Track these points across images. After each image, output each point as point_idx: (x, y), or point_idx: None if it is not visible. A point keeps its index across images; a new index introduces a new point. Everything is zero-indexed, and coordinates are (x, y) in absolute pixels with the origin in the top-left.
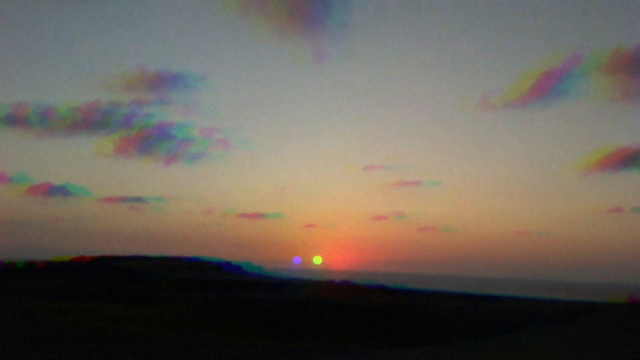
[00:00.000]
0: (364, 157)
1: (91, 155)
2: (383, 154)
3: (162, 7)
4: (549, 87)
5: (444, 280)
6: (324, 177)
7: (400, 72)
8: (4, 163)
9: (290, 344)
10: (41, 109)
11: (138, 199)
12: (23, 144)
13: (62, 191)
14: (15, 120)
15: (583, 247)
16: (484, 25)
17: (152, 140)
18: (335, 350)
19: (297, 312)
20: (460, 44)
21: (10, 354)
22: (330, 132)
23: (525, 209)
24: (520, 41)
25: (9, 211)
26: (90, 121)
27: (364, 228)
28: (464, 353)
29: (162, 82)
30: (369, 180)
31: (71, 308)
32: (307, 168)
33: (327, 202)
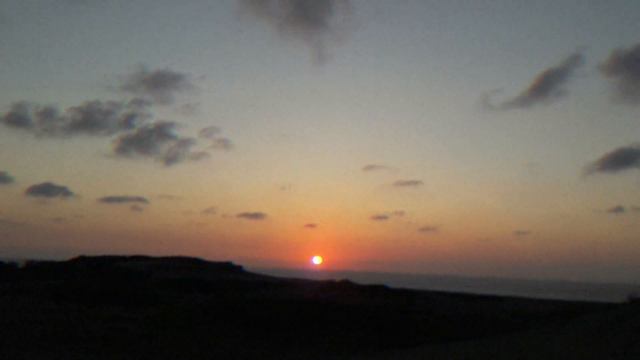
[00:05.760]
0: (364, 157)
1: (91, 155)
2: (383, 154)
3: (162, 8)
4: (549, 87)
5: (444, 280)
6: (324, 177)
7: (400, 72)
8: (4, 163)
9: (290, 343)
10: (41, 109)
11: (138, 199)
12: (23, 144)
13: (62, 191)
14: (15, 120)
15: (583, 247)
16: (484, 25)
17: (152, 140)
18: (334, 350)
19: (297, 312)
20: (461, 45)
21: (10, 354)
22: (330, 132)
23: (525, 209)
24: (521, 41)
25: (9, 211)
26: (90, 121)
27: (364, 227)
28: (464, 353)
29: (162, 82)
30: (368, 180)
31: (71, 308)
32: (307, 168)
33: (328, 202)
